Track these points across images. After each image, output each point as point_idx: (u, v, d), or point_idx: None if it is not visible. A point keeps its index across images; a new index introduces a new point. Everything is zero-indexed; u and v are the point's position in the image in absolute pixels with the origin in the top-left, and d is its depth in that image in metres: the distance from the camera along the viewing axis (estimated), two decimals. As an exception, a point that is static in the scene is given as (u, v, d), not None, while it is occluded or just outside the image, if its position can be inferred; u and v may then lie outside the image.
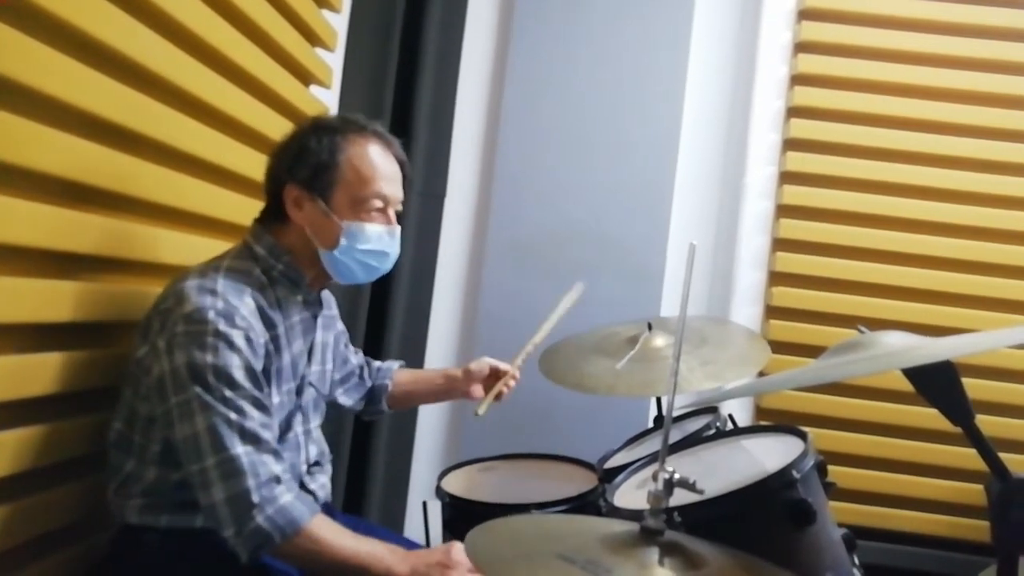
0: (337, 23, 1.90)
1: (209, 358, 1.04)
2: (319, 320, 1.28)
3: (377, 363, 1.57)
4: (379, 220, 1.20)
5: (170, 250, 1.31)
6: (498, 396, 1.49)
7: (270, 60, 1.58)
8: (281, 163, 1.20)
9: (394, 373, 1.56)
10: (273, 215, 1.21)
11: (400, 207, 1.25)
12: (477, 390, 1.50)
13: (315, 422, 1.29)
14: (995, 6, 2.29)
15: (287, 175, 1.18)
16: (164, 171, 1.28)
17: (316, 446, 1.28)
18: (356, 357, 1.52)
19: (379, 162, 1.20)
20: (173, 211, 1.33)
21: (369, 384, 1.53)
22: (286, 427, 1.19)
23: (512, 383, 1.52)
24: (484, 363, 1.51)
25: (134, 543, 1.12)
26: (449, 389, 1.54)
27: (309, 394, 1.25)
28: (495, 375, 1.51)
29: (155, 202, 1.27)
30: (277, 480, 1.04)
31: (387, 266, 1.24)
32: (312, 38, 1.78)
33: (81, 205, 1.10)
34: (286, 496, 1.04)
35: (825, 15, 2.34)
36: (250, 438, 1.04)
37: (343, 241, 1.17)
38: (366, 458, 2.09)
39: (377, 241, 1.20)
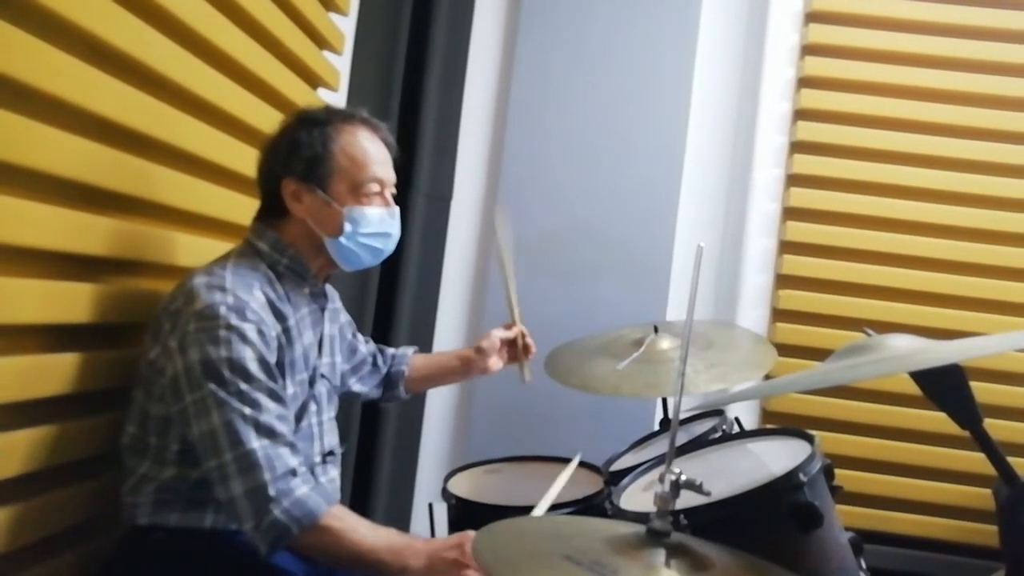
0: (344, 26, 1.91)
1: (223, 352, 1.05)
2: (326, 313, 1.30)
3: (391, 350, 1.59)
4: (378, 203, 1.23)
5: (182, 252, 1.32)
6: (527, 354, 1.55)
7: (277, 63, 1.58)
8: (274, 159, 1.21)
9: (410, 359, 1.58)
10: (271, 211, 1.22)
11: (394, 189, 1.27)
12: (495, 363, 1.54)
13: (328, 413, 1.30)
14: (1004, 8, 2.29)
15: (282, 170, 1.20)
16: (174, 173, 1.28)
17: (330, 437, 1.29)
18: (366, 346, 1.54)
19: (370, 147, 1.23)
20: (184, 213, 1.33)
21: (384, 370, 1.55)
22: (300, 417, 1.19)
23: (529, 340, 1.57)
24: (494, 337, 1.55)
25: (142, 543, 1.12)
26: (467, 369, 1.57)
27: (322, 385, 1.27)
28: (507, 344, 1.56)
29: (166, 204, 1.28)
30: (293, 473, 1.05)
31: (391, 247, 1.27)
32: (319, 41, 1.79)
33: (94, 207, 1.11)
34: (302, 488, 1.05)
35: (832, 18, 2.34)
36: (266, 432, 1.05)
37: (347, 227, 1.19)
38: (372, 459, 2.09)
39: (379, 223, 1.22)
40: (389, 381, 1.56)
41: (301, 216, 1.20)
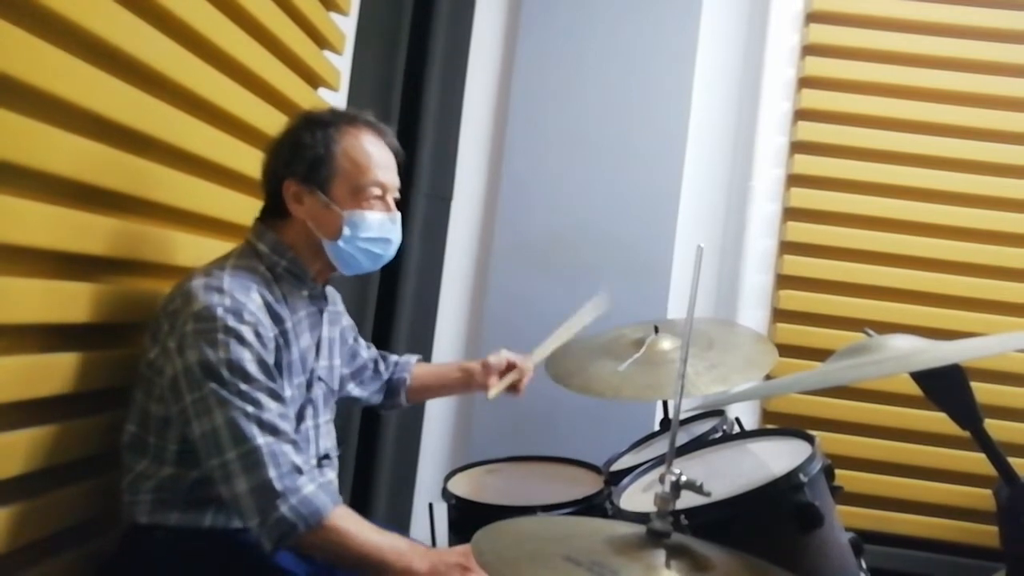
0: (345, 26, 1.91)
1: (221, 354, 1.05)
2: (325, 315, 1.29)
3: (394, 357, 1.59)
4: (379, 208, 1.22)
5: (182, 252, 1.32)
6: (514, 387, 1.51)
7: (278, 63, 1.58)
8: (277, 160, 1.21)
9: (412, 367, 1.58)
10: (273, 212, 1.22)
11: (397, 194, 1.26)
12: (495, 382, 1.52)
13: (325, 416, 1.30)
14: (1004, 8, 2.29)
15: (284, 171, 1.19)
16: (174, 173, 1.28)
17: (325, 440, 1.29)
18: (368, 351, 1.53)
19: (373, 151, 1.22)
20: (184, 213, 1.33)
21: (386, 377, 1.55)
22: (298, 421, 1.19)
23: (526, 378, 1.52)
24: (503, 356, 1.53)
25: (143, 542, 1.12)
26: (467, 382, 1.56)
27: (319, 388, 1.26)
28: (512, 368, 1.53)
29: (166, 204, 1.27)
30: (299, 470, 1.05)
31: (390, 253, 1.26)
32: (320, 41, 1.79)
33: (93, 207, 1.11)
34: (309, 486, 1.04)
35: (833, 18, 2.34)
36: (269, 429, 1.05)
37: (346, 231, 1.19)
38: (372, 459, 2.09)
39: (379, 228, 1.22)
40: (390, 388, 1.55)
41: (301, 218, 1.20)
